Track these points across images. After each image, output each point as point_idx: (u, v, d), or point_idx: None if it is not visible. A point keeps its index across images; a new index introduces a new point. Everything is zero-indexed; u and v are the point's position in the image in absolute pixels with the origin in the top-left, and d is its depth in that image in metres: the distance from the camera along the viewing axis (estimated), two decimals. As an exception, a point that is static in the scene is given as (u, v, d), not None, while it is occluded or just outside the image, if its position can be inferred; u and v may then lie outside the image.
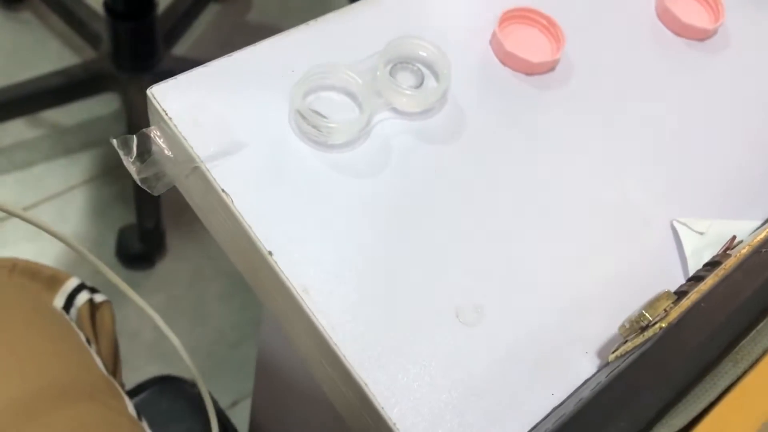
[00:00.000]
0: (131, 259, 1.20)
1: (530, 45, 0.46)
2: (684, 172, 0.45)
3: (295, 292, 0.36)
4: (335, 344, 0.35)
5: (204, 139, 0.39)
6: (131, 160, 0.37)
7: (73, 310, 0.69)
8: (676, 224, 0.42)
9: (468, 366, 0.36)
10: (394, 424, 0.34)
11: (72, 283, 0.69)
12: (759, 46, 0.51)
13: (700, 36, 0.49)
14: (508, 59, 0.45)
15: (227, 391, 1.13)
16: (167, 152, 0.38)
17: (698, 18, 0.49)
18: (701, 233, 0.41)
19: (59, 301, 0.68)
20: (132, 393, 0.69)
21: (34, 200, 1.21)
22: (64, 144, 1.26)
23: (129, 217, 1.22)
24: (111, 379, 0.63)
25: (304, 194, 0.39)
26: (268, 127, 0.40)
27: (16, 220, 1.26)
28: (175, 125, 0.39)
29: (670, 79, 0.48)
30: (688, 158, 0.45)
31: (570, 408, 0.30)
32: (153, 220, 1.20)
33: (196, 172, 0.39)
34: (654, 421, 0.29)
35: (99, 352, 0.68)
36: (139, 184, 0.37)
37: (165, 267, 1.22)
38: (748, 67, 0.50)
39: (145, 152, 0.38)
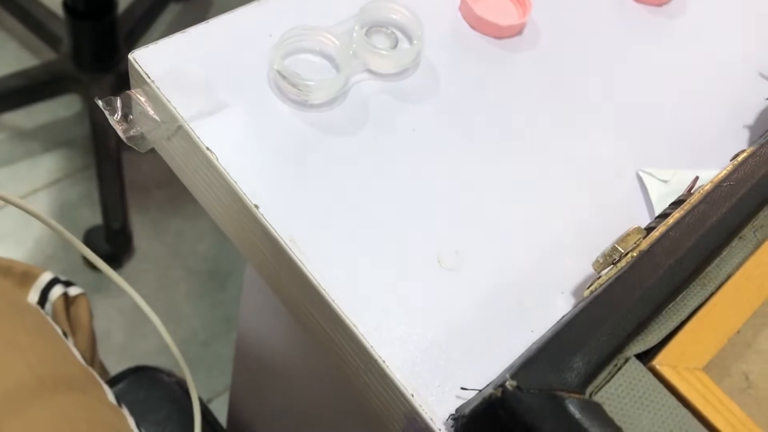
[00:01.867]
0: (98, 261, 1.19)
1: (498, 10, 0.48)
2: (649, 126, 0.47)
3: (282, 243, 0.37)
4: (324, 290, 0.37)
5: (186, 100, 0.40)
6: (117, 120, 0.38)
7: (48, 305, 0.69)
8: (641, 173, 0.44)
9: (452, 307, 0.38)
10: (384, 361, 0.35)
11: (45, 277, 0.69)
12: (713, 9, 0.54)
13: (659, 2, 0.52)
14: (478, 23, 0.47)
15: (202, 389, 1.13)
16: (151, 113, 0.39)
17: (655, -15, 0.52)
18: (666, 181, 0.44)
19: (33, 297, 0.68)
20: (109, 383, 0.69)
21: (-3, 204, 1.20)
22: (26, 147, 1.25)
23: (95, 219, 1.21)
24: (90, 369, 0.62)
25: (286, 150, 0.40)
26: (249, 88, 0.42)
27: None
28: (157, 87, 0.40)
29: (632, 42, 0.51)
30: (652, 113, 0.48)
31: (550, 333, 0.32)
32: (119, 221, 1.19)
33: (180, 132, 0.40)
34: (632, 338, 0.31)
35: (76, 344, 0.68)
36: (126, 141, 0.38)
37: (133, 267, 1.22)
38: (705, 28, 0.53)
39: (128, 113, 0.39)
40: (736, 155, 0.39)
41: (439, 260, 0.39)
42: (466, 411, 0.32)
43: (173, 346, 0.56)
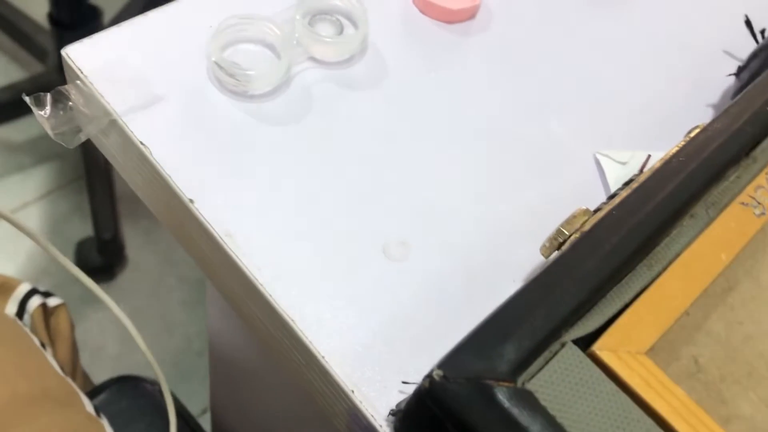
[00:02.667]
0: (91, 272, 1.16)
1: (448, -6, 0.46)
2: (605, 109, 0.45)
3: (218, 237, 0.36)
4: (261, 285, 0.35)
5: (120, 94, 0.39)
6: (45, 117, 0.37)
7: (27, 316, 0.68)
8: (598, 156, 0.43)
9: (396, 299, 0.36)
10: (323, 357, 0.34)
11: (23, 288, 0.69)
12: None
13: (616, -19, 0.51)
14: (428, 8, 0.45)
15: (197, 399, 1.12)
16: (83, 108, 0.38)
17: (613, -36, 0.50)
18: (624, 163, 0.42)
19: (11, 308, 0.67)
20: (92, 394, 0.68)
21: (-12, 218, 1.19)
22: (15, 160, 1.25)
23: (86, 230, 1.20)
24: (68, 379, 0.62)
25: (224, 142, 0.39)
26: (187, 80, 0.40)
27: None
28: (90, 82, 0.39)
29: (588, 21, 0.49)
30: (607, 95, 0.46)
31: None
32: (110, 232, 1.19)
33: (114, 127, 0.39)
34: (569, 322, 0.29)
35: (56, 355, 0.67)
36: (53, 138, 0.37)
37: (126, 278, 1.21)
38: (666, 5, 0.51)
39: (60, 109, 0.38)
40: (690, 131, 0.37)
41: (385, 251, 0.38)
42: (403, 405, 0.31)
43: (150, 356, 0.55)
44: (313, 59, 0.42)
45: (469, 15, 0.46)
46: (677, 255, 0.32)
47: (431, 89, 0.43)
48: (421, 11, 0.46)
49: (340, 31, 0.43)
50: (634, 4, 0.51)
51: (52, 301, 0.70)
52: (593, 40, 0.48)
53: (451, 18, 0.46)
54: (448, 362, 0.28)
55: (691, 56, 0.49)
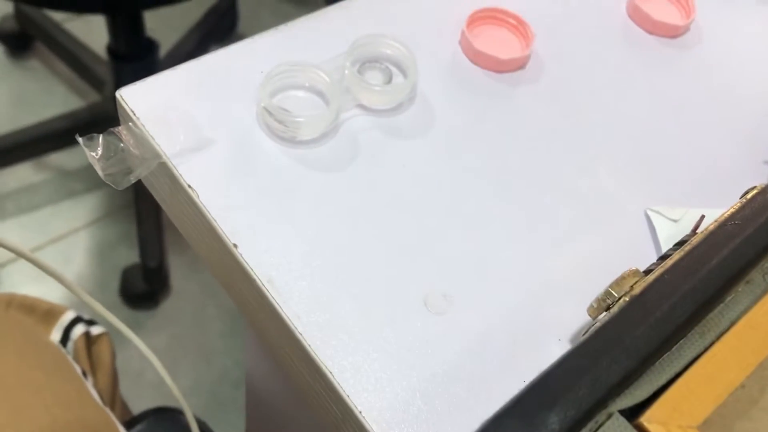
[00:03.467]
0: (135, 299, 1.20)
1: (499, 43, 0.46)
2: (658, 163, 0.44)
3: (259, 283, 0.36)
4: (300, 333, 0.35)
5: (171, 137, 0.39)
6: (97, 158, 0.37)
7: (70, 344, 0.69)
8: (649, 212, 0.41)
9: (437, 353, 0.36)
10: (360, 412, 0.33)
11: (68, 316, 0.70)
12: (730, 42, 0.51)
13: (672, 33, 0.50)
14: (478, 57, 0.45)
15: (232, 430, 1.11)
16: (134, 150, 0.38)
17: (669, 15, 0.50)
18: (676, 221, 0.41)
19: (56, 335, 0.68)
20: (129, 424, 0.69)
21: (39, 242, 1.22)
22: (68, 187, 1.28)
23: (133, 257, 1.22)
24: (106, 410, 0.62)
25: (271, 188, 0.39)
26: (236, 125, 0.41)
27: (21, 263, 1.26)
28: (142, 124, 0.39)
29: (643, 74, 0.48)
30: (662, 150, 0.45)
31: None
32: (156, 260, 1.20)
33: (164, 169, 0.39)
34: (617, 391, 0.28)
35: (96, 384, 0.68)
36: (104, 179, 0.37)
37: (169, 306, 1.22)
38: (720, 61, 0.50)
39: (112, 151, 0.38)
40: (746, 192, 0.36)
41: (426, 303, 0.37)
42: (441, 467, 0.30)
43: (177, 392, 0.55)
44: (361, 106, 0.42)
45: (519, 65, 0.46)
46: (732, 323, 0.31)
47: (479, 139, 0.43)
48: (471, 60, 0.46)
49: (389, 79, 0.43)
50: (690, 57, 0.50)
51: (95, 330, 0.71)
52: (647, 92, 0.47)
53: (500, 68, 0.45)
54: (489, 428, 0.27)
55: (750, 112, 0.48)
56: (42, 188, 1.27)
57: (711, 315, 0.31)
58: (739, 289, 0.32)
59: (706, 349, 0.30)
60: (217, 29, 1.43)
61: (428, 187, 0.41)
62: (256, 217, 0.38)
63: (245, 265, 0.36)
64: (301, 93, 0.42)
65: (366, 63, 0.43)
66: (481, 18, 0.47)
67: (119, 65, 1.18)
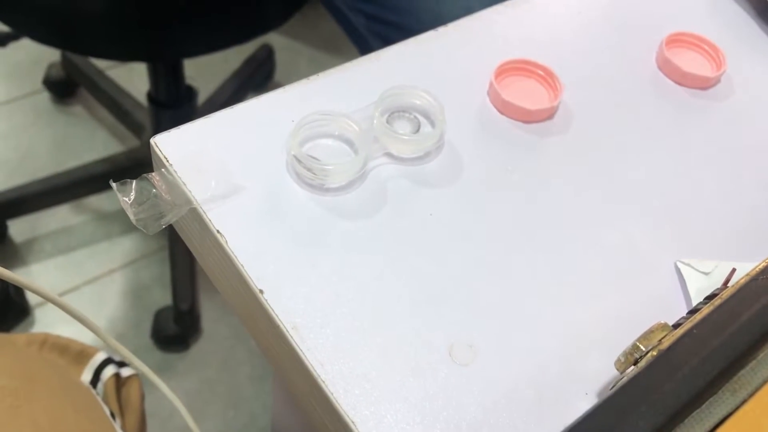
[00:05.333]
0: (166, 341, 1.21)
1: (527, 94, 0.46)
2: (689, 216, 0.44)
3: (284, 330, 0.36)
4: (323, 381, 0.35)
5: (202, 183, 0.40)
6: (129, 202, 0.38)
7: (100, 385, 0.70)
8: (680, 265, 0.41)
9: (461, 405, 0.35)
10: (382, 463, 0.33)
11: (99, 357, 0.71)
12: (762, 94, 0.51)
13: (703, 85, 0.50)
14: (506, 108, 0.46)
15: (257, 478, 1.11)
16: (165, 195, 0.39)
17: (699, 67, 0.50)
18: (707, 273, 0.40)
19: (87, 376, 0.69)
20: (154, 468, 0.69)
21: (75, 283, 1.24)
22: (105, 229, 1.31)
23: (166, 300, 1.24)
24: (133, 452, 0.62)
25: (298, 235, 0.39)
26: (266, 172, 0.41)
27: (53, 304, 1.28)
28: (175, 170, 0.40)
29: (673, 126, 0.48)
30: (693, 203, 0.45)
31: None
32: (188, 303, 1.21)
33: (194, 214, 0.40)
34: (643, 449, 0.28)
35: (124, 425, 0.68)
36: (135, 224, 0.38)
37: (199, 348, 1.23)
38: (752, 113, 0.49)
39: (144, 196, 0.39)
40: (779, 246, 0.35)
41: (451, 354, 0.37)
42: None
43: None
44: (389, 155, 0.43)
45: (547, 115, 0.46)
46: (765, 381, 0.30)
47: (507, 189, 0.43)
48: (499, 111, 0.46)
49: (417, 128, 0.44)
50: (722, 108, 0.49)
51: (126, 372, 0.72)
52: (677, 144, 0.47)
53: (528, 118, 0.46)
54: (510, 484, 0.26)
55: (782, 163, 0.47)
56: (79, 230, 1.30)
57: (743, 372, 0.30)
58: (772, 346, 0.31)
59: (737, 408, 0.29)
60: (255, 78, 1.47)
61: (454, 237, 0.41)
62: (282, 263, 0.38)
63: (270, 311, 0.37)
64: (330, 141, 0.43)
65: (395, 113, 0.44)
66: (509, 69, 0.47)
67: (158, 111, 1.21)
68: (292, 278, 0.38)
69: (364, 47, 0.84)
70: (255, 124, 0.43)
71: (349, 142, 0.43)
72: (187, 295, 1.22)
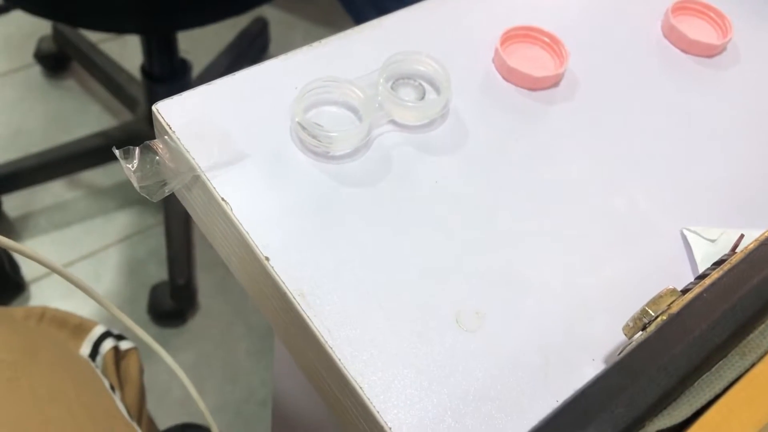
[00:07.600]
0: (163, 316, 1.21)
1: (533, 61, 0.46)
2: (694, 183, 0.44)
3: (291, 296, 0.36)
4: (330, 347, 0.35)
5: (205, 151, 0.39)
6: (132, 169, 0.38)
7: (99, 358, 0.69)
8: (686, 232, 0.41)
9: (469, 371, 0.35)
10: (390, 429, 0.33)
11: (97, 330, 0.70)
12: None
13: (708, 52, 0.49)
14: (511, 75, 0.45)
15: (258, 449, 1.11)
16: (169, 163, 0.39)
17: (705, 35, 0.49)
18: (713, 241, 0.40)
19: (85, 349, 0.69)
20: (154, 441, 0.69)
21: (71, 258, 1.24)
22: (100, 204, 1.30)
23: (162, 275, 1.23)
24: (133, 424, 0.62)
25: (303, 202, 0.39)
26: (270, 139, 0.41)
27: (51, 278, 1.28)
28: (178, 138, 0.40)
29: (679, 93, 0.48)
30: (698, 170, 0.44)
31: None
32: (185, 277, 1.21)
33: (198, 182, 0.39)
34: (654, 411, 0.28)
35: (123, 398, 0.68)
36: (139, 191, 0.38)
37: (196, 323, 1.23)
38: (758, 81, 0.49)
39: (147, 163, 0.39)
40: (787, 212, 0.35)
41: (458, 320, 0.37)
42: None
43: (203, 408, 0.55)
44: (394, 122, 0.42)
45: (552, 82, 0.46)
46: (774, 345, 0.30)
47: (512, 156, 0.43)
48: (504, 78, 0.46)
49: (422, 95, 0.44)
50: (727, 76, 0.49)
51: (124, 345, 0.72)
52: (683, 111, 0.47)
53: (534, 85, 0.45)
54: (522, 446, 0.26)
55: (787, 131, 0.47)
56: (74, 205, 1.29)
57: (752, 336, 0.31)
58: (781, 310, 0.31)
59: (746, 371, 0.29)
60: (249, 52, 1.45)
61: (460, 204, 0.40)
62: (287, 230, 0.38)
63: (277, 278, 0.36)
64: (334, 108, 0.42)
65: (399, 79, 0.44)
66: (515, 36, 0.47)
67: (152, 85, 1.20)
68: (298, 246, 0.38)
69: (361, 20, 0.83)
70: (257, 92, 0.43)
71: (353, 109, 0.42)
72: (184, 269, 1.21)
